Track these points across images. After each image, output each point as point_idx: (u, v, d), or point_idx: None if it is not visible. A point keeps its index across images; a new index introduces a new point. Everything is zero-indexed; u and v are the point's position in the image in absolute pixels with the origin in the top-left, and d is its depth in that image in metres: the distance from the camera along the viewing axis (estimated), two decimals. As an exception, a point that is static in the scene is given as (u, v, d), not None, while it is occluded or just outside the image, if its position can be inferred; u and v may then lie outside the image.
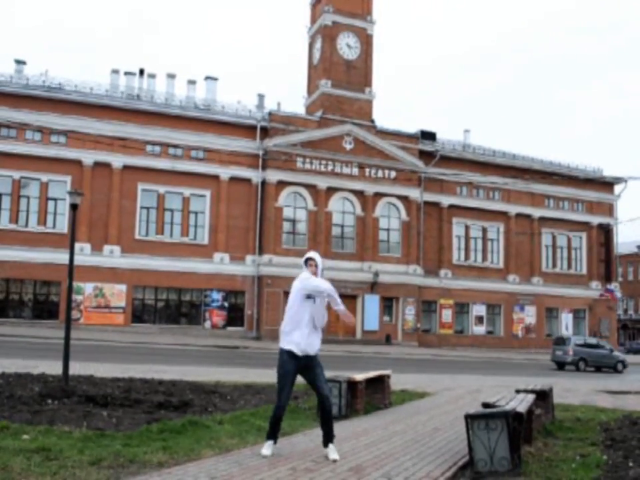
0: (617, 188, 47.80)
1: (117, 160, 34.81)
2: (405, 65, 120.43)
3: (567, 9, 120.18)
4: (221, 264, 36.37)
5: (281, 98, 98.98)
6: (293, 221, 38.01)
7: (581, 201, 46.41)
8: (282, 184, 37.29)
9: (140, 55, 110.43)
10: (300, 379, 6.27)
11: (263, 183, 37.14)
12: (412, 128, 42.44)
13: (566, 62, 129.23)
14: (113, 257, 34.46)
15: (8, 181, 33.65)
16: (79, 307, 33.21)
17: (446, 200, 41.89)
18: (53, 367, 12.18)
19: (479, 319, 42.69)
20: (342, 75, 39.20)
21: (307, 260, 6.33)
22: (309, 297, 6.10)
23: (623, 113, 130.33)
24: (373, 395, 9.88)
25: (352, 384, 8.91)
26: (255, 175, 37.20)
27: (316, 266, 6.28)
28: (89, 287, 33.75)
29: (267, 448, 5.95)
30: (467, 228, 42.98)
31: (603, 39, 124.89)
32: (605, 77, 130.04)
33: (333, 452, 5.94)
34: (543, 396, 8.63)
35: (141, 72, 40.41)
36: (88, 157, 34.39)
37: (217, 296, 36.38)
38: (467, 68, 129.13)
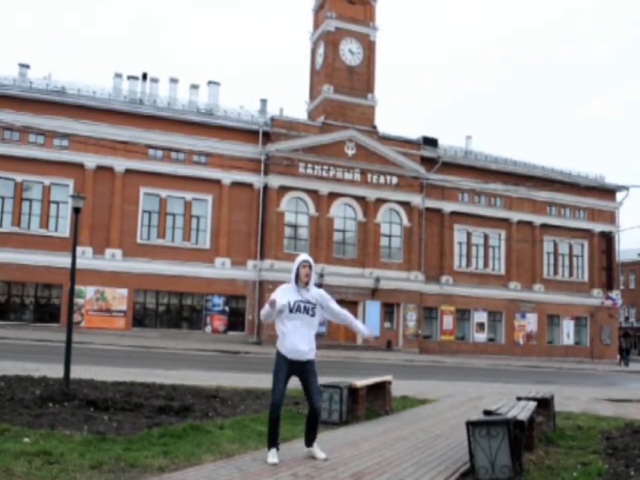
0: (619, 195, 47.87)
1: (119, 164, 34.87)
2: (406, 67, 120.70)
3: (568, 12, 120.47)
4: (222, 268, 36.38)
5: (283, 103, 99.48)
6: (295, 226, 38.03)
7: (582, 209, 46.40)
8: (284, 189, 37.32)
9: (143, 59, 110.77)
10: (297, 383, 6.32)
11: (265, 187, 37.19)
12: (414, 134, 42.61)
13: (568, 67, 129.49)
14: (114, 260, 34.48)
15: (10, 184, 33.73)
16: (80, 310, 33.22)
17: (447, 206, 41.90)
18: (54, 370, 12.18)
19: (480, 326, 42.63)
20: (344, 80, 39.29)
21: (301, 262, 6.13)
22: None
23: (626, 120, 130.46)
24: (373, 402, 9.85)
25: (353, 390, 8.88)
26: (256, 180, 37.24)
27: (310, 267, 6.15)
28: (90, 291, 33.79)
29: (272, 456, 5.90)
30: (468, 234, 42.97)
31: (605, 44, 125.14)
32: (608, 82, 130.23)
33: (318, 451, 6.18)
34: (544, 404, 8.60)
35: (144, 76, 40.58)
36: (90, 160, 34.47)
37: (218, 300, 36.39)
38: (468, 72, 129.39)
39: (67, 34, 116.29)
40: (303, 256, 6.26)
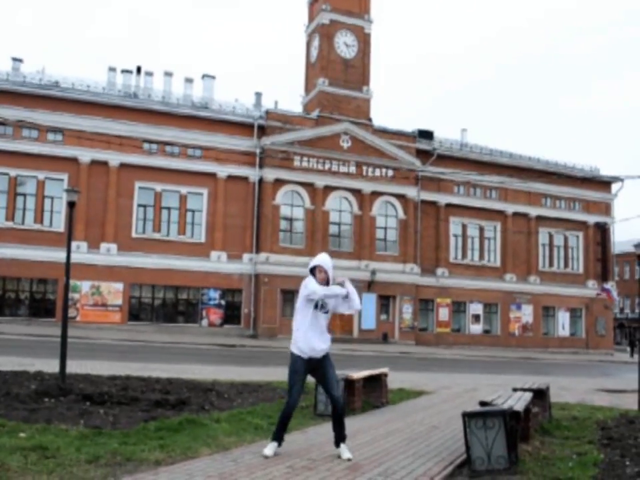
0: (614, 187, 47.89)
1: (114, 158, 34.72)
2: (402, 60, 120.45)
3: (566, 7, 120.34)
4: (218, 262, 36.34)
5: (279, 96, 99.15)
6: (290, 220, 37.98)
7: (577, 200, 46.46)
8: (279, 182, 37.26)
9: (137, 53, 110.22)
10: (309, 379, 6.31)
11: (260, 181, 37.11)
12: (409, 126, 42.55)
13: (564, 60, 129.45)
14: (109, 255, 34.39)
15: (4, 179, 33.56)
16: (75, 305, 33.16)
17: (443, 199, 41.89)
18: (50, 365, 12.17)
19: (476, 318, 42.72)
20: (339, 73, 39.15)
21: (314, 268, 6.06)
22: (311, 301, 6.00)
23: (621, 112, 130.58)
24: (370, 394, 9.88)
25: (349, 382, 8.90)
26: (252, 173, 37.15)
27: (325, 272, 6.03)
28: (85, 285, 33.69)
29: (269, 448, 5.89)
30: (464, 227, 42.99)
31: (601, 38, 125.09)
32: (603, 75, 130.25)
33: (345, 451, 5.92)
34: (540, 394, 8.65)
35: (138, 70, 40.36)
36: (84, 154, 34.31)
37: (213, 294, 36.36)
38: (463, 64, 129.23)
39: (62, 30, 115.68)
40: (318, 259, 6.16)
